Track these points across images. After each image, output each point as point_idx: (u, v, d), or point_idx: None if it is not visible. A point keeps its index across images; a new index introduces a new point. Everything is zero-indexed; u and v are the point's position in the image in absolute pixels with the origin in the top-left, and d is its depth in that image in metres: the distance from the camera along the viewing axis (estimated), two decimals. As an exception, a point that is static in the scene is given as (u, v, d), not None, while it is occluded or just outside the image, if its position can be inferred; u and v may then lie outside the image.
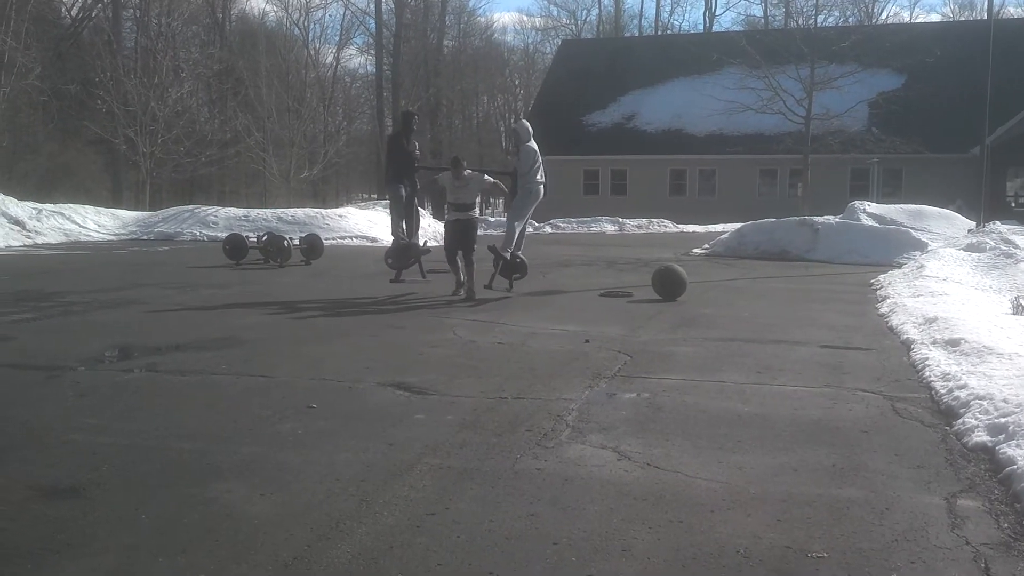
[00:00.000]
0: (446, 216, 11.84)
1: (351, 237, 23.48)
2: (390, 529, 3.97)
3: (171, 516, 4.12)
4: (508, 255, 11.95)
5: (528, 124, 12.90)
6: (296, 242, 17.22)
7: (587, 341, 8.54)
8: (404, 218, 12.94)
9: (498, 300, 11.41)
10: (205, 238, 23.45)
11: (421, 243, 13.25)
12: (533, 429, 5.52)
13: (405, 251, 12.90)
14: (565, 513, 4.16)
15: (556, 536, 3.89)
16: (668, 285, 11.81)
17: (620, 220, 32.18)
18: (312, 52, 58.81)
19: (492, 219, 30.87)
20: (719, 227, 28.21)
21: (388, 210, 13.71)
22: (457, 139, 61.36)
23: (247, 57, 45.70)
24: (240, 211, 26.26)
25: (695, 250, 20.83)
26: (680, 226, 32.09)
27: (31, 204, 24.42)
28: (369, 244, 22.89)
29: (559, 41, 61.71)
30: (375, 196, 53.25)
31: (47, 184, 37.10)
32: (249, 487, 4.49)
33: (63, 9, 47.65)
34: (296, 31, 58.24)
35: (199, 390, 6.62)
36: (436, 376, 6.99)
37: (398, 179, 12.91)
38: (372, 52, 58.63)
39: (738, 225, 22.11)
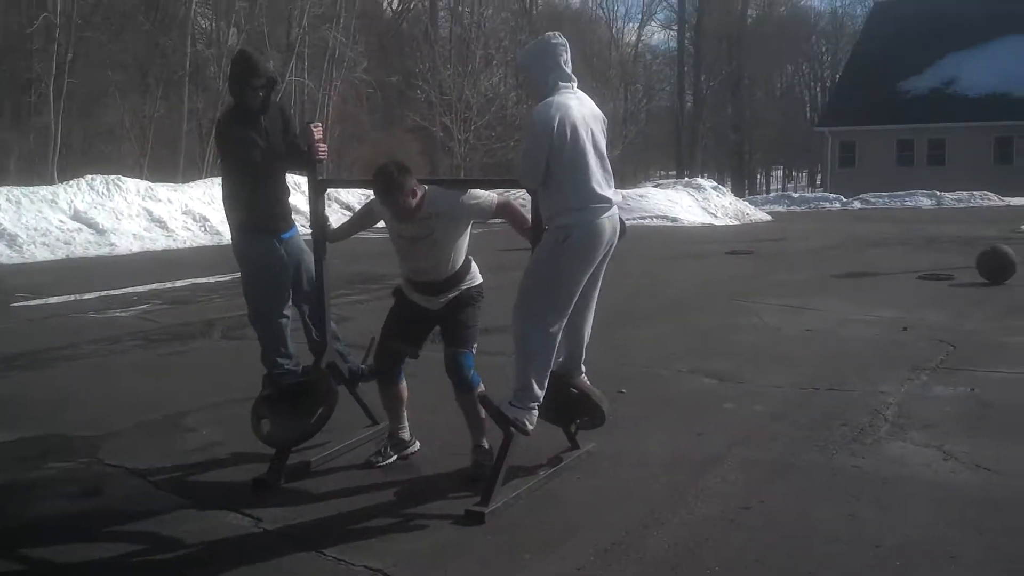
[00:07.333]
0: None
1: (651, 217, 23.52)
2: (704, 520, 4.03)
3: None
4: (533, 409, 4.54)
5: (556, 41, 4.49)
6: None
7: (905, 329, 8.11)
8: (282, 319, 5.45)
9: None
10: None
11: (341, 359, 5.53)
12: (848, 423, 5.36)
13: (304, 398, 5.06)
14: (887, 515, 4.04)
15: (878, 539, 3.78)
16: (995, 267, 10.94)
17: (937, 193, 30.04)
18: (614, 32, 59.41)
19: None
20: (1053, 201, 25.74)
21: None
22: (759, 109, 59.78)
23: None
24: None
25: (1025, 227, 19.10)
26: (1006, 199, 29.44)
27: (360, 192, 26.48)
28: (669, 224, 22.87)
29: (871, 3, 58.38)
30: (673, 173, 53.02)
31: (370, 170, 40.05)
32: (567, 470, 4.70)
33: (384, 3, 51.09)
34: (600, 12, 59.16)
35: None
36: (743, 364, 6.94)
37: (257, 222, 5.30)
38: (674, 27, 58.73)
39: (1078, 198, 20.03)
